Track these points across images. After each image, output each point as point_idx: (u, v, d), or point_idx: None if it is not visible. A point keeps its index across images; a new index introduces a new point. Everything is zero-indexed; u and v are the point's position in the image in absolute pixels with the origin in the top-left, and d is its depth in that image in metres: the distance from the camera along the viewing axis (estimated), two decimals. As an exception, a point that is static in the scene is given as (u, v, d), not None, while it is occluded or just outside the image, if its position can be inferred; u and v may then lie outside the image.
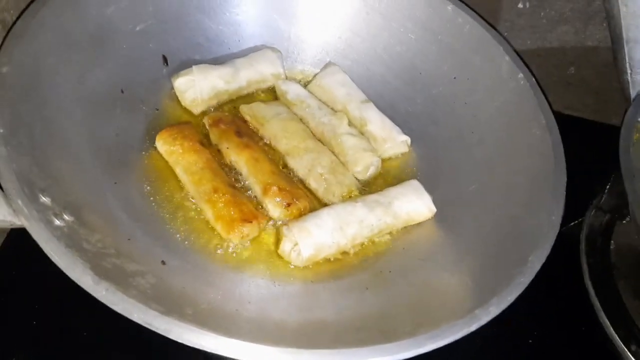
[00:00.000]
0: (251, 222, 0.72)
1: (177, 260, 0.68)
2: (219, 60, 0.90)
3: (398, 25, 0.92)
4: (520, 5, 1.04)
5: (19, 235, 0.58)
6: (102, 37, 0.79)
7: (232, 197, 0.73)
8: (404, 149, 0.87)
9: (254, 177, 0.77)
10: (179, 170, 0.77)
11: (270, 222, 0.76)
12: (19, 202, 0.56)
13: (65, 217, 0.60)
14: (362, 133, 0.87)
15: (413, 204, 0.77)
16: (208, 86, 0.84)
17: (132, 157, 0.78)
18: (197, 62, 0.87)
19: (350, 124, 0.86)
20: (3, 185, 0.57)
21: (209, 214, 0.73)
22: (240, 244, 0.73)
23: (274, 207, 0.75)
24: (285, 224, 0.73)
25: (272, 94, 0.92)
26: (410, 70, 0.91)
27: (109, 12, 0.80)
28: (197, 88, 0.83)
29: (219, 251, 0.72)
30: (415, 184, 0.80)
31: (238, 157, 0.79)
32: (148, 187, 0.76)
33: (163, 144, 0.78)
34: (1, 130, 0.61)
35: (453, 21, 0.88)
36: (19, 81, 0.67)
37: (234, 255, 0.72)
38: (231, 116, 0.84)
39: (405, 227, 0.78)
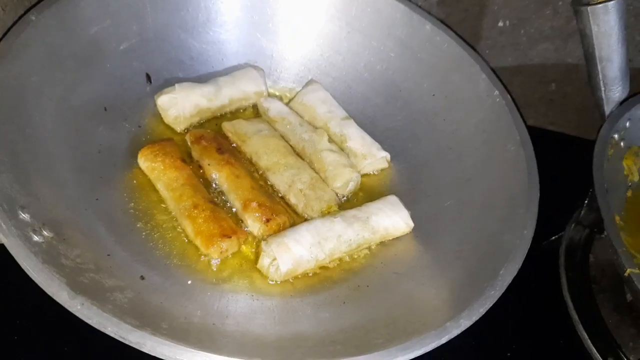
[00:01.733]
0: (230, 237, 0.73)
1: (156, 275, 0.69)
2: (202, 79, 0.91)
3: (378, 44, 0.94)
4: (500, 24, 1.06)
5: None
6: (86, 56, 0.81)
7: (211, 213, 0.75)
8: (384, 164, 0.88)
9: (235, 192, 0.79)
10: (160, 187, 0.78)
11: (250, 237, 0.77)
12: (-2, 217, 0.57)
13: (45, 233, 0.62)
14: (342, 149, 0.88)
15: (391, 219, 0.78)
16: (191, 104, 0.85)
17: (114, 174, 0.79)
18: (181, 80, 0.89)
19: (330, 140, 0.88)
20: (-18, 201, 0.58)
21: (189, 229, 0.74)
22: (220, 259, 0.73)
23: (254, 222, 0.76)
24: (264, 239, 0.74)
25: (255, 111, 0.94)
26: (391, 88, 0.93)
27: (93, 31, 0.82)
28: (179, 106, 0.84)
29: (197, 266, 0.73)
30: (393, 199, 0.81)
31: (219, 174, 0.80)
32: (129, 203, 0.77)
33: (145, 161, 0.80)
34: (-18, 149, 0.62)
35: (432, 40, 0.90)
36: (1, 101, 0.68)
37: (213, 270, 0.73)
38: (213, 133, 0.85)
39: (383, 242, 0.80)
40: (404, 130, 0.91)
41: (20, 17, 0.77)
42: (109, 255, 0.68)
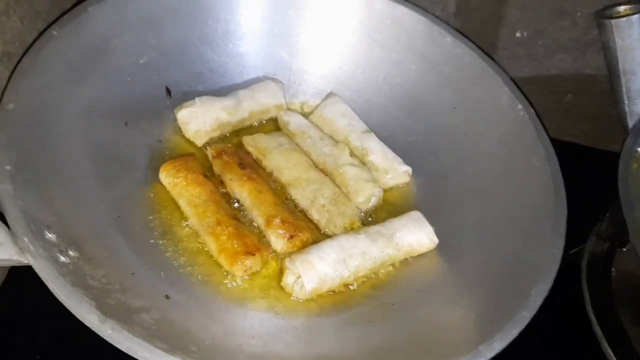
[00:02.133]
0: (254, 254, 0.73)
1: (180, 294, 0.68)
2: (221, 91, 0.91)
3: (398, 56, 0.93)
4: (518, 35, 1.06)
5: (22, 271, 0.58)
6: (106, 71, 0.81)
7: (235, 230, 0.74)
8: (406, 179, 0.88)
9: (257, 208, 0.78)
10: (182, 203, 0.78)
11: (273, 254, 0.76)
12: (25, 240, 0.57)
13: (71, 253, 0.61)
14: (363, 163, 0.87)
15: (415, 236, 0.77)
16: (211, 118, 0.85)
17: (136, 190, 0.78)
18: (200, 94, 0.88)
19: (351, 154, 0.87)
20: (10, 223, 0.57)
21: (212, 246, 0.74)
22: (244, 277, 0.73)
23: (277, 239, 0.76)
24: (288, 257, 0.74)
25: (274, 124, 0.93)
26: (411, 101, 0.93)
27: (113, 45, 0.82)
28: (200, 120, 0.84)
29: (221, 284, 0.72)
30: (416, 215, 0.80)
31: (241, 189, 0.80)
32: (152, 220, 0.76)
33: (166, 176, 0.79)
34: (8, 167, 0.61)
35: (452, 52, 0.90)
36: (24, 117, 0.68)
37: (237, 288, 0.72)
38: (234, 147, 0.85)
39: (407, 258, 0.79)
40: (424, 144, 0.90)
41: (41, 32, 0.77)
42: (133, 274, 0.67)
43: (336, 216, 0.79)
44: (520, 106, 0.83)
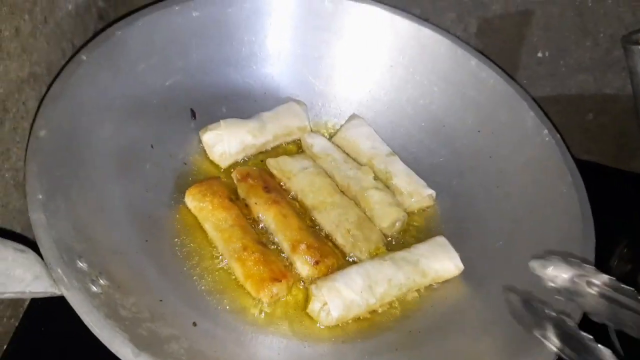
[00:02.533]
0: (280, 280, 0.73)
1: (208, 321, 0.68)
2: (245, 112, 0.91)
3: (421, 78, 0.93)
4: (539, 54, 1.06)
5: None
6: (134, 94, 0.81)
7: (261, 255, 0.74)
8: (430, 202, 0.87)
9: (282, 233, 0.78)
10: (208, 227, 0.78)
11: (299, 280, 0.76)
12: (59, 271, 0.57)
13: (101, 281, 0.61)
14: (387, 186, 0.87)
15: (441, 262, 0.77)
16: (236, 141, 0.85)
17: (162, 213, 0.78)
18: (224, 115, 0.88)
19: (375, 177, 0.87)
20: (43, 254, 0.58)
21: (238, 272, 0.74)
22: (270, 303, 0.73)
23: (303, 265, 0.76)
24: (314, 283, 0.74)
25: (297, 146, 0.93)
26: (434, 123, 0.92)
27: (140, 68, 0.82)
28: (225, 142, 0.84)
29: (248, 310, 0.72)
30: (441, 240, 0.80)
31: (266, 213, 0.80)
32: (178, 244, 0.76)
33: (192, 200, 0.79)
34: (40, 197, 0.62)
35: (477, 75, 0.89)
36: (56, 144, 0.68)
37: (263, 314, 0.72)
38: (259, 170, 0.85)
39: (431, 284, 0.78)
40: (448, 167, 0.90)
41: (71, 57, 0.77)
42: (161, 300, 0.67)
43: (361, 241, 0.79)
44: (546, 131, 0.83)
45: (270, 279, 0.72)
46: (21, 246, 0.53)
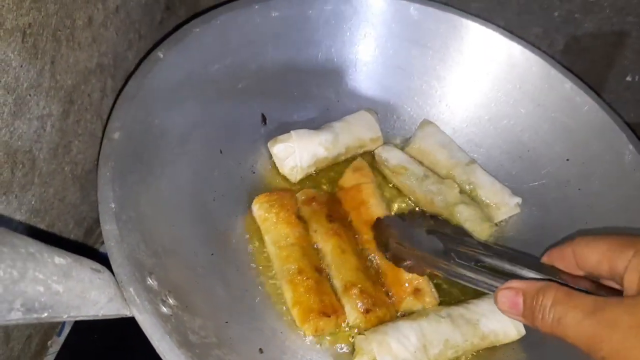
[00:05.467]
0: (329, 316, 0.67)
1: (273, 348, 0.64)
2: (316, 120, 0.86)
3: (507, 97, 0.87)
4: (629, 78, 0.99)
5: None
6: (205, 95, 0.77)
7: (315, 283, 0.69)
8: (516, 210, 0.82)
9: (337, 269, 0.72)
10: (267, 239, 0.74)
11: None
12: (131, 290, 0.53)
13: (170, 301, 0.57)
14: (472, 198, 0.82)
15: (502, 324, 0.70)
16: (308, 153, 0.80)
17: (228, 225, 0.74)
18: (295, 123, 0.84)
19: (460, 190, 0.82)
20: (115, 270, 0.54)
21: (288, 295, 0.69)
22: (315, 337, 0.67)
23: (352, 310, 0.69)
24: (363, 334, 0.67)
25: (368, 157, 0.87)
26: (517, 146, 0.86)
27: (214, 69, 0.78)
28: (297, 156, 0.79)
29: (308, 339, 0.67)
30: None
31: (325, 243, 0.74)
32: (242, 259, 0.72)
33: (259, 209, 0.75)
34: (112, 206, 0.58)
35: (570, 100, 0.82)
36: (128, 147, 0.64)
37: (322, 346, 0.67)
38: (326, 195, 0.79)
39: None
40: (531, 196, 0.83)
41: (147, 53, 0.73)
42: (227, 322, 0.63)
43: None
44: (647, 169, 0.76)
45: (318, 311, 0.66)
46: (98, 265, 0.49)
